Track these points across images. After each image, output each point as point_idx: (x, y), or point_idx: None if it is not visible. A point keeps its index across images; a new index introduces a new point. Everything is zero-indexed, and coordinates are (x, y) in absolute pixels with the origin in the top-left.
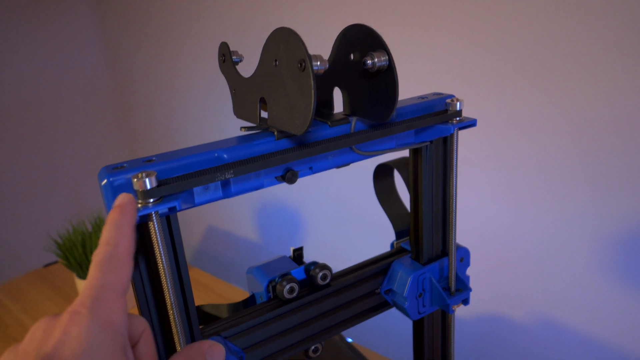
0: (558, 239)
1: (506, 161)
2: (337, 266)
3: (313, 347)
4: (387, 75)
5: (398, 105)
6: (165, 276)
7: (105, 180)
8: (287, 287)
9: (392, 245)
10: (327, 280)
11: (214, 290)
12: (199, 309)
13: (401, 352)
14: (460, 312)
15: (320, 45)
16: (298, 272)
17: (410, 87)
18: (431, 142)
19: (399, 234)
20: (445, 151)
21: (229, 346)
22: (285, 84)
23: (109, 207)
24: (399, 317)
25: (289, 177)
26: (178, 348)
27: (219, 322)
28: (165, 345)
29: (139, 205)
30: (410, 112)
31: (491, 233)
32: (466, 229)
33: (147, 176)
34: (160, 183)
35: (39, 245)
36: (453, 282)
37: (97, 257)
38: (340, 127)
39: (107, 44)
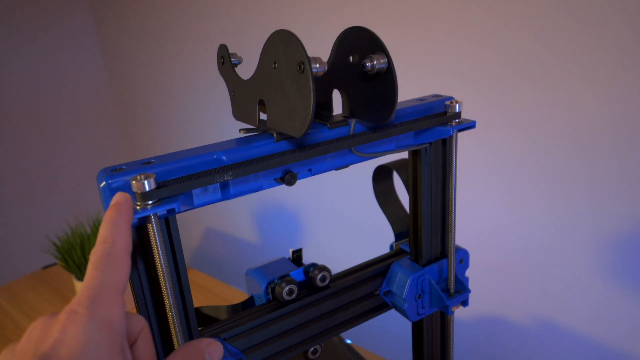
0: (557, 240)
1: (506, 162)
2: (336, 268)
3: (312, 349)
4: (387, 78)
5: (397, 107)
6: (164, 278)
7: (103, 183)
8: (286, 288)
9: (391, 246)
10: (326, 282)
11: (213, 291)
12: (197, 310)
13: (400, 353)
14: (459, 313)
15: (319, 47)
16: (297, 274)
17: (410, 87)
18: (430, 143)
19: (398, 236)
20: (444, 153)
21: (228, 348)
22: (284, 86)
23: (107, 208)
24: (398, 318)
25: (288, 179)
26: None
27: (218, 324)
28: (164, 347)
29: (138, 207)
30: (409, 114)
31: (491, 234)
32: (466, 230)
33: (145, 178)
34: (159, 185)
35: (38, 248)
36: (452, 284)
37: (94, 255)
38: (340, 129)
39: (106, 45)
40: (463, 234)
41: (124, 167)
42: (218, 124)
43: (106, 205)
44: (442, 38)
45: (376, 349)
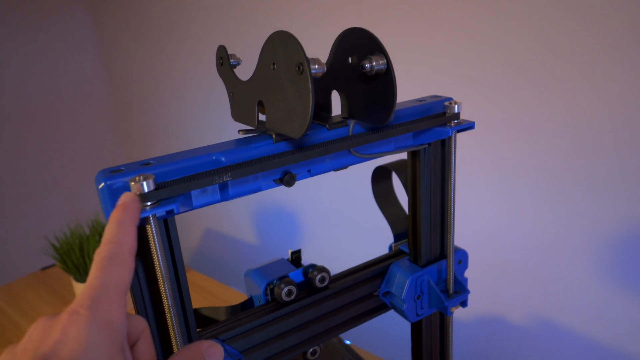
0: (557, 240)
1: (506, 162)
2: (335, 268)
3: (311, 350)
4: (386, 79)
5: (396, 107)
6: (163, 279)
7: (102, 184)
8: (285, 289)
9: (390, 247)
10: (325, 283)
11: (212, 292)
12: (196, 311)
13: (399, 354)
14: (459, 313)
15: (318, 48)
16: (296, 275)
17: (410, 87)
18: (429, 144)
19: (397, 237)
20: (443, 153)
21: (227, 349)
22: (283, 87)
23: (106, 210)
24: (397, 319)
25: (287, 180)
26: (176, 351)
27: (217, 325)
28: (163, 348)
29: None
30: (408, 115)
31: (490, 234)
32: (466, 230)
33: (144, 179)
34: (158, 186)
35: (37, 249)
36: (451, 285)
37: (99, 255)
38: (339, 130)
39: (106, 46)
40: (463, 234)
41: (122, 168)
42: (217, 125)
43: (105, 206)
44: (442, 38)
45: (375, 349)
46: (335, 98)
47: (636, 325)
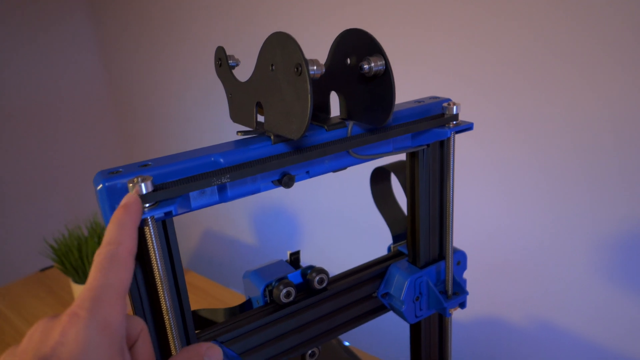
0: (557, 240)
1: (506, 162)
2: (334, 270)
3: (310, 351)
4: (384, 80)
5: (395, 109)
6: (161, 281)
7: (100, 185)
8: (284, 291)
9: (389, 248)
10: (324, 284)
11: (211, 294)
12: (195, 313)
13: (398, 355)
14: (458, 314)
15: (317, 49)
16: (295, 276)
17: (410, 88)
18: (428, 145)
19: (396, 238)
20: (442, 154)
21: (226, 351)
22: (281, 89)
23: (104, 211)
24: (396, 320)
25: (286, 181)
26: (174, 353)
27: (215, 327)
28: (161, 350)
29: None
30: (406, 116)
31: (490, 234)
32: (465, 231)
33: (142, 181)
34: (156, 188)
35: (35, 250)
36: (450, 286)
37: (99, 257)
38: (337, 131)
39: (105, 46)
40: (463, 234)
41: (121, 169)
42: (217, 125)
43: (103, 207)
44: (441, 38)
45: (374, 351)
46: (334, 99)
47: (636, 325)
